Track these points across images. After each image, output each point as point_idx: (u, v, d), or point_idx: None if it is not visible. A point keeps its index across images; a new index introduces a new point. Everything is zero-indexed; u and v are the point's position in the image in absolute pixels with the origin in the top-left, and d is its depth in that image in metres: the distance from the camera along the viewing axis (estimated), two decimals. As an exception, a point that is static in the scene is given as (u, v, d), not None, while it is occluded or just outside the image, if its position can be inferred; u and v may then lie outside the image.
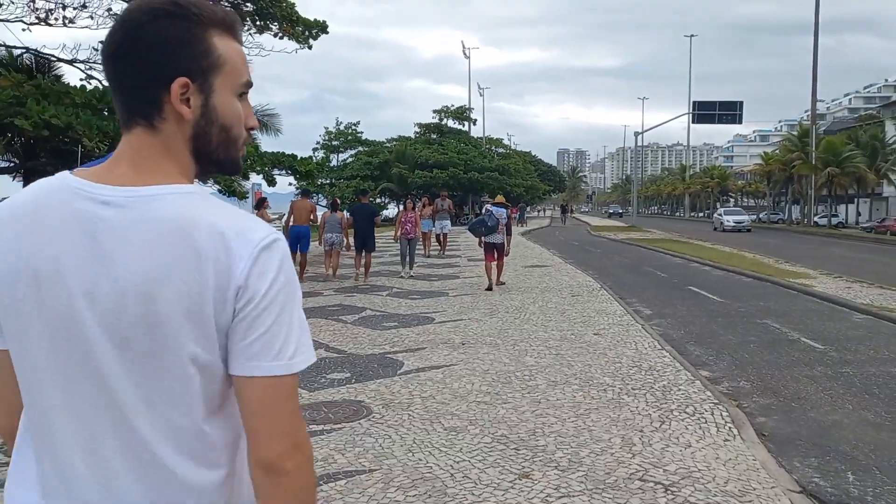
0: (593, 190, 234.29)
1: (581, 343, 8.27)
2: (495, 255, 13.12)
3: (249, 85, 1.17)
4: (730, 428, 5.29)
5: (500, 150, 76.67)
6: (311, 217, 16.09)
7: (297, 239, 14.95)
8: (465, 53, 66.88)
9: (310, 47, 22.12)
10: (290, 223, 15.24)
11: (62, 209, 1.07)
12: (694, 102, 45.59)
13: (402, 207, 19.18)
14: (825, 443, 5.25)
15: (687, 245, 27.95)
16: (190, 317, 1.05)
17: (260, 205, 16.68)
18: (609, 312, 10.58)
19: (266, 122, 26.66)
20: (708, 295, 13.15)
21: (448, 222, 22.45)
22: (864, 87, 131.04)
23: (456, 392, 6.15)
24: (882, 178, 54.47)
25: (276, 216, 23.23)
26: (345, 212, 17.39)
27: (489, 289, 12.86)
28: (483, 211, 16.45)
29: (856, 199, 66.23)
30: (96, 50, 23.53)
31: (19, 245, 1.08)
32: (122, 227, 1.05)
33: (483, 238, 13.03)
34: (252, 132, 1.21)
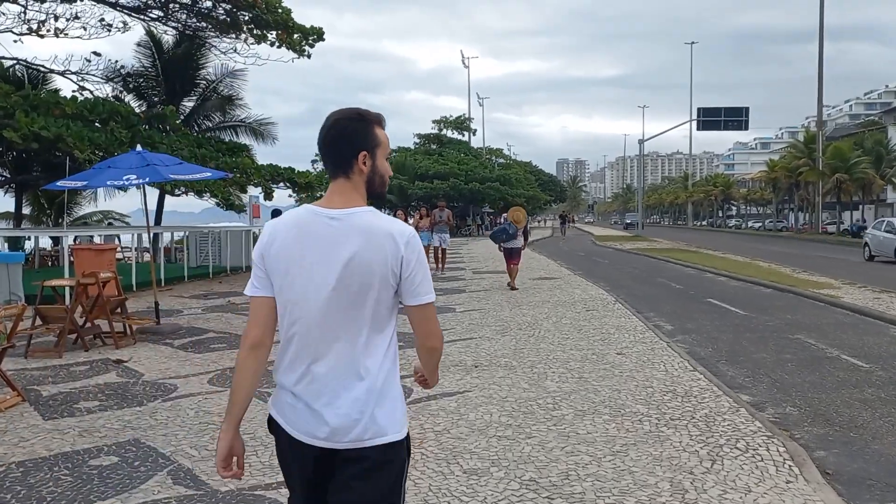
0: (594, 200, 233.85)
1: (604, 364, 7.59)
2: (514, 259, 15.22)
3: (390, 152, 2.31)
4: (790, 466, 4.61)
5: (501, 160, 76.19)
6: None
7: None
8: (464, 63, 66.57)
9: (308, 56, 21.56)
10: None
11: (313, 221, 2.15)
12: (699, 109, 45.02)
13: None
14: (901, 483, 4.56)
15: (697, 255, 27.28)
16: (380, 275, 2.10)
17: (274, 216, 16.74)
18: (629, 328, 9.91)
19: (262, 131, 26.12)
20: (730, 307, 12.47)
21: (447, 235, 20.31)
22: (865, 94, 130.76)
23: (473, 425, 5.47)
24: (888, 183, 53.86)
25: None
26: None
27: (510, 286, 14.90)
28: (502, 219, 19.81)
29: (861, 206, 65.61)
30: (89, 61, 23.13)
31: (294, 238, 2.15)
32: (339, 228, 2.13)
33: (503, 244, 15.21)
34: (390, 178, 2.31)
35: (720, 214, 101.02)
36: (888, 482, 4.58)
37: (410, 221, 19.11)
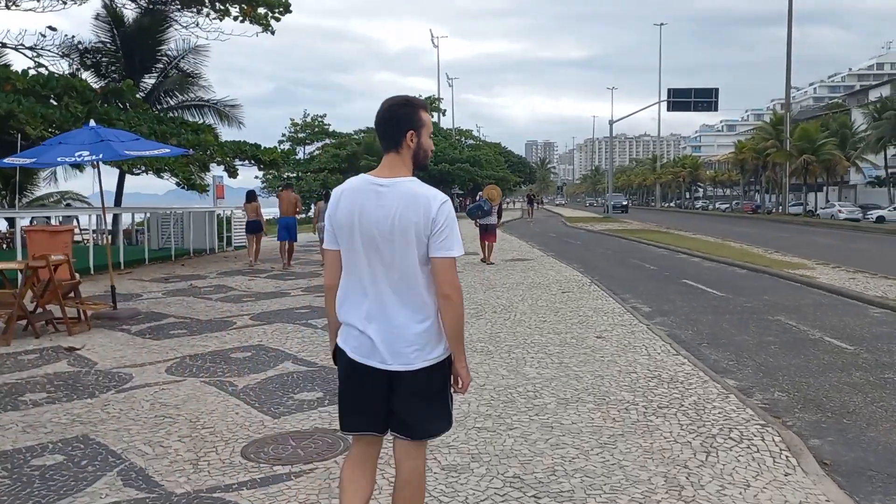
0: (563, 181, 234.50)
1: (584, 348, 7.30)
2: (490, 235, 15.90)
3: (431, 132, 2.84)
4: (787, 457, 4.36)
5: (470, 141, 75.65)
6: (297, 208, 16.82)
7: (285, 229, 16.08)
8: (433, 43, 65.73)
9: (272, 32, 20.92)
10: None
11: (366, 188, 2.68)
12: (669, 90, 45.00)
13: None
14: (902, 473, 4.33)
15: (669, 236, 27.23)
16: (417, 231, 2.60)
17: (250, 198, 17.27)
18: (606, 311, 9.64)
19: (228, 113, 25.35)
20: (706, 289, 12.29)
21: None
22: (829, 77, 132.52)
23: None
24: (852, 164, 54.64)
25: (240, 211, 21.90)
26: None
27: (484, 261, 15.70)
28: (477, 198, 18.17)
29: (825, 188, 66.57)
30: (44, 36, 22.11)
31: (352, 201, 2.68)
32: (389, 193, 2.63)
33: (479, 220, 15.99)
34: (432, 152, 2.91)
35: (687, 196, 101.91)
36: (889, 472, 4.34)
37: None
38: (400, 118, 2.70)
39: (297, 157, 62.80)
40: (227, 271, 15.34)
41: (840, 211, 48.34)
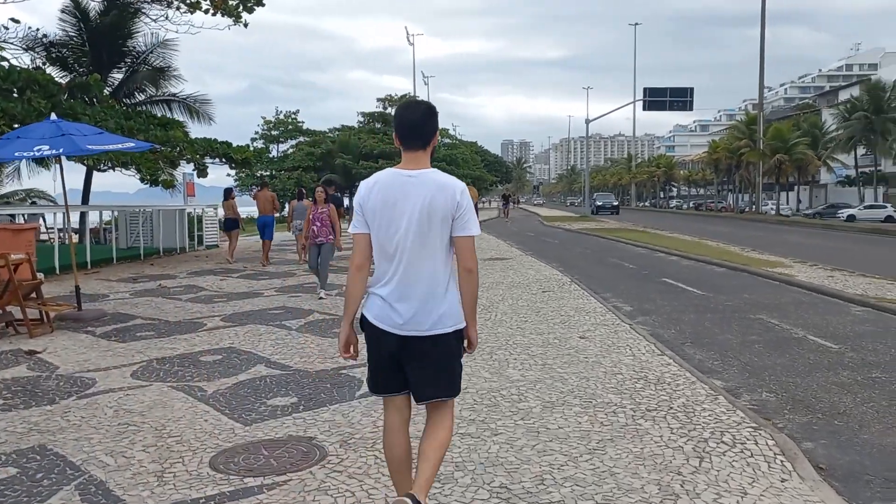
0: (539, 181, 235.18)
1: (568, 349, 7.11)
2: None
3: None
4: (782, 462, 4.19)
5: (447, 140, 75.40)
6: (274, 206, 17.10)
7: (262, 227, 16.47)
8: (409, 40, 65.31)
9: (245, 24, 20.47)
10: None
11: (394, 178, 3.06)
12: (645, 89, 45.11)
13: (306, 199, 15.33)
14: (900, 477, 4.18)
15: (645, 234, 27.25)
16: (442, 215, 2.99)
17: (228, 195, 17.41)
18: (588, 310, 9.48)
19: (198, 108, 24.83)
20: (686, 287, 12.19)
21: None
22: (799, 77, 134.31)
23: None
24: (823, 164, 55.39)
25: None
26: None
27: None
28: None
29: (796, 187, 67.43)
30: (6, 28, 21.41)
31: (385, 191, 3.04)
32: (416, 183, 3.01)
33: None
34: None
35: (662, 195, 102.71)
36: (886, 476, 4.19)
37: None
38: (431, 124, 3.17)
39: (271, 156, 62.06)
40: (198, 271, 14.96)
41: (771, 209, 54.10)
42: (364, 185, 3.13)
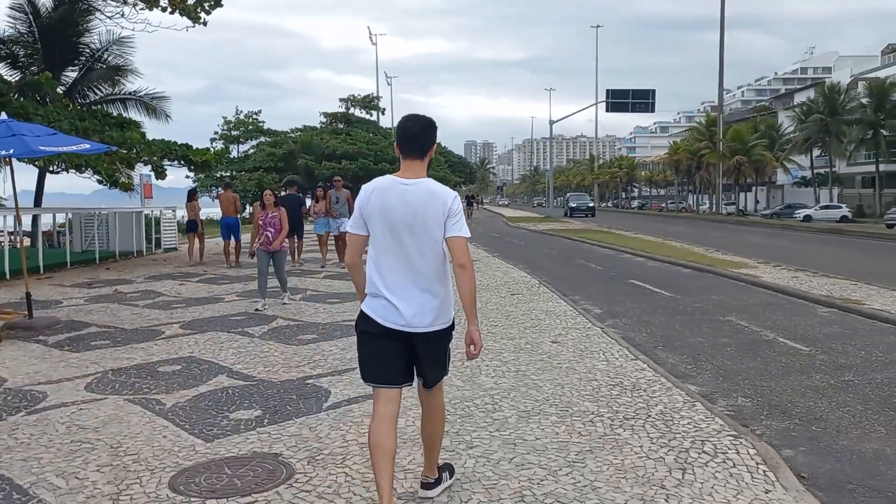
0: (503, 181, 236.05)
1: (541, 354, 6.97)
2: None
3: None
4: (764, 472, 4.09)
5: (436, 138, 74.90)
6: (236, 207, 16.95)
7: (227, 229, 16.36)
8: (371, 40, 65.05)
9: (204, 24, 20.00)
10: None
11: (392, 185, 3.33)
12: (608, 90, 45.40)
13: (258, 203, 15.87)
14: (882, 486, 4.12)
15: (610, 235, 27.38)
16: (436, 220, 3.28)
17: (191, 197, 17.23)
18: (558, 313, 9.37)
19: (155, 106, 24.20)
20: (654, 289, 12.18)
21: (346, 220, 14.65)
22: (756, 80, 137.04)
23: (404, 432, 4.69)
24: (780, 165, 56.51)
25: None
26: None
27: None
28: None
29: (754, 188, 68.73)
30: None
31: (383, 196, 3.31)
32: (412, 191, 3.29)
33: None
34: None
35: (623, 196, 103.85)
36: (869, 485, 4.12)
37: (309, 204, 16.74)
38: (430, 136, 3.44)
39: (231, 156, 61.03)
40: (156, 275, 14.51)
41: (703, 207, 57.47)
42: (364, 190, 3.42)
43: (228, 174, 55.13)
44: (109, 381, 6.15)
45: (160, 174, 17.80)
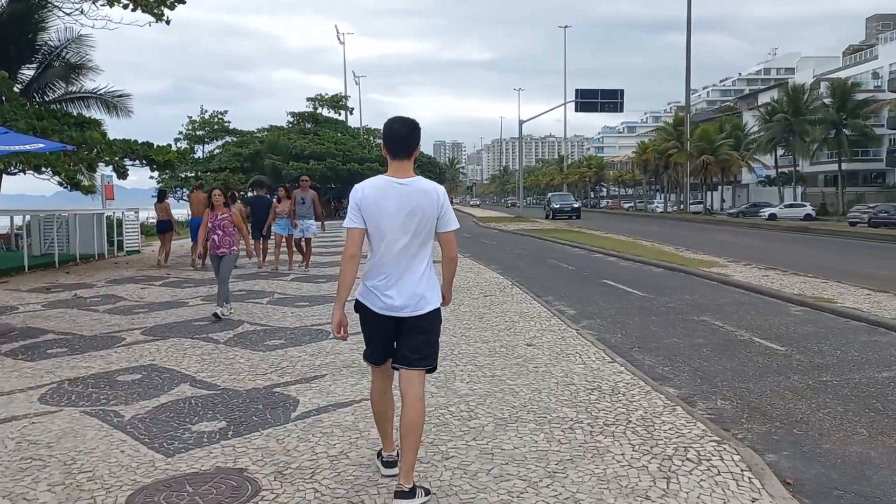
0: (472, 181, 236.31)
1: (516, 358, 6.80)
2: None
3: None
4: (749, 479, 3.96)
5: (380, 140, 74.66)
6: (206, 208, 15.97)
7: (196, 229, 15.52)
8: (339, 39, 64.59)
9: (167, 21, 19.52)
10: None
11: (387, 185, 3.58)
12: (577, 90, 45.56)
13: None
14: (869, 491, 4.01)
15: (581, 235, 27.40)
16: (431, 216, 3.59)
17: (162, 197, 17.22)
18: (532, 315, 9.22)
19: (116, 103, 23.54)
20: (627, 289, 12.11)
21: (312, 222, 14.77)
22: (721, 81, 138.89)
23: (376, 444, 4.48)
24: (745, 164, 57.28)
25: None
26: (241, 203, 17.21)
27: None
28: None
29: (720, 187, 69.61)
30: None
31: (376, 195, 3.57)
32: (406, 190, 3.56)
33: None
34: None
35: (593, 195, 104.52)
36: (856, 490, 4.02)
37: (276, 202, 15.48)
38: (415, 137, 3.69)
39: (196, 156, 60.08)
40: (118, 279, 14.07)
41: (657, 206, 63.06)
42: (360, 188, 3.66)
43: (193, 174, 54.29)
44: (65, 392, 5.83)
45: (122, 174, 17.31)
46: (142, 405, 5.46)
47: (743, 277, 12.81)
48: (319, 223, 15.14)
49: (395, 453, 3.89)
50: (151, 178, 47.26)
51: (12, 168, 15.63)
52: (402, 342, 3.65)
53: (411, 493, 3.50)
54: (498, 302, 10.29)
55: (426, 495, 3.61)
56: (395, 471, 3.77)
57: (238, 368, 6.56)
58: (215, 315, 9.07)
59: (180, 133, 60.11)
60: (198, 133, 60.40)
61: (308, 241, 15.10)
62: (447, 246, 3.72)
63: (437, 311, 3.70)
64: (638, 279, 13.44)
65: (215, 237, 9.18)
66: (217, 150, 59.56)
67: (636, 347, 7.68)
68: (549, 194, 61.52)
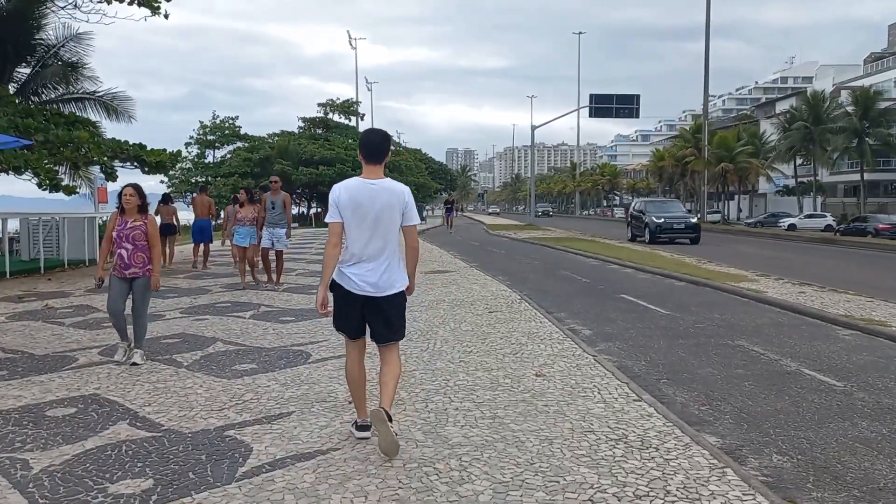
0: (484, 189, 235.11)
1: (522, 393, 5.70)
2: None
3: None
4: (840, 588, 2.85)
5: (391, 147, 73.71)
6: (210, 211, 16.71)
7: (200, 231, 16.37)
8: (351, 44, 63.68)
9: (165, 16, 18.66)
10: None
11: (360, 185, 4.35)
12: (591, 95, 44.32)
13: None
14: None
15: (595, 244, 26.22)
16: (397, 211, 4.35)
17: (166, 200, 16.82)
18: (542, 336, 8.12)
19: (116, 106, 22.70)
20: (648, 305, 10.98)
21: (283, 231, 12.28)
22: (737, 90, 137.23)
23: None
24: (764, 173, 55.95)
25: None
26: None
27: None
28: None
29: (737, 196, 68.16)
30: None
31: (354, 193, 4.32)
32: (377, 189, 4.33)
33: None
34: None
35: (605, 204, 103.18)
36: None
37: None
38: (386, 146, 4.50)
39: (207, 161, 59.47)
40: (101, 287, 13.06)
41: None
42: (337, 188, 4.37)
43: (204, 179, 53.61)
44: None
45: (110, 175, 16.38)
46: (60, 452, 4.43)
47: (777, 294, 11.61)
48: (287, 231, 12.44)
49: (367, 419, 4.43)
50: (162, 182, 46.80)
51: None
52: (374, 321, 4.39)
53: (388, 418, 4.22)
54: (504, 319, 9.19)
55: (390, 420, 4.26)
56: (368, 434, 4.47)
57: (192, 401, 5.51)
58: (132, 363, 6.78)
59: (191, 138, 59.57)
60: (209, 138, 59.80)
61: (279, 253, 12.59)
62: (409, 237, 4.48)
63: (403, 293, 4.44)
64: (659, 294, 12.29)
65: (123, 251, 6.75)
66: (228, 155, 58.92)
67: (664, 379, 6.56)
68: (636, 200, 36.86)
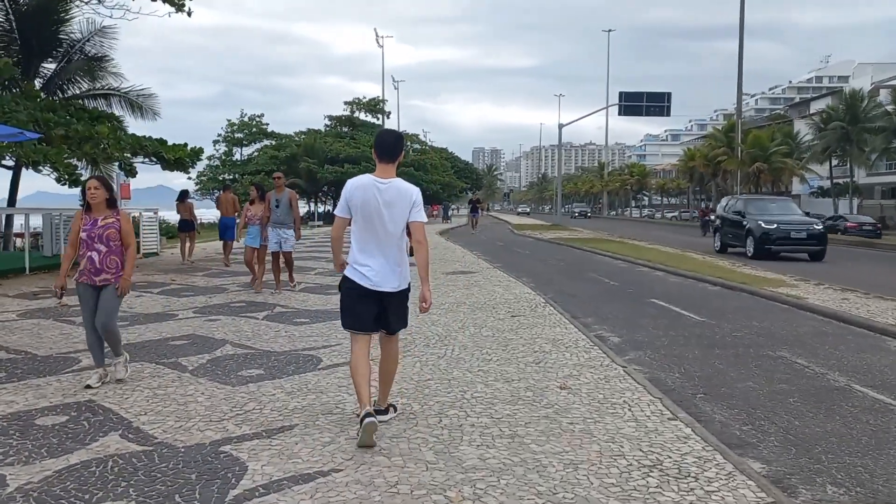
0: (510, 188, 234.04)
1: (545, 408, 5.24)
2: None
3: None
4: None
5: (417, 146, 73.53)
6: (235, 208, 16.75)
7: (226, 229, 16.59)
8: (378, 42, 63.38)
9: (189, 13, 18.52)
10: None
11: (371, 184, 4.58)
12: (621, 93, 43.39)
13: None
14: None
15: (624, 245, 25.56)
16: (404, 210, 4.58)
17: (183, 197, 16.98)
18: (567, 343, 7.64)
19: (140, 103, 22.64)
20: (680, 311, 10.42)
21: (291, 232, 11.50)
22: (770, 89, 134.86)
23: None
24: (799, 173, 54.62)
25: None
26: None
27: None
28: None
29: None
30: None
31: (364, 191, 4.57)
32: (386, 188, 4.56)
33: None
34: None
35: (634, 204, 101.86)
36: None
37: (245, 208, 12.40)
38: (399, 146, 4.76)
39: (234, 159, 59.77)
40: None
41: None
42: (349, 185, 4.65)
43: (231, 177, 53.86)
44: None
45: (130, 172, 16.21)
46: (41, 467, 4.08)
47: (819, 300, 10.98)
48: (295, 231, 11.65)
49: (370, 408, 4.46)
50: (189, 178, 47.05)
51: (5, 160, 14.59)
52: (386, 314, 4.62)
53: (384, 412, 4.82)
54: (527, 325, 8.72)
55: (395, 411, 4.93)
56: (374, 419, 4.44)
57: (191, 411, 5.15)
58: (117, 378, 6.10)
59: (219, 136, 59.90)
60: (236, 136, 60.07)
61: (288, 254, 11.62)
62: (416, 232, 4.61)
63: (408, 288, 4.70)
64: (692, 299, 11.72)
65: (94, 254, 5.88)
66: (255, 153, 59.14)
67: (701, 394, 6.06)
68: (730, 198, 26.07)
